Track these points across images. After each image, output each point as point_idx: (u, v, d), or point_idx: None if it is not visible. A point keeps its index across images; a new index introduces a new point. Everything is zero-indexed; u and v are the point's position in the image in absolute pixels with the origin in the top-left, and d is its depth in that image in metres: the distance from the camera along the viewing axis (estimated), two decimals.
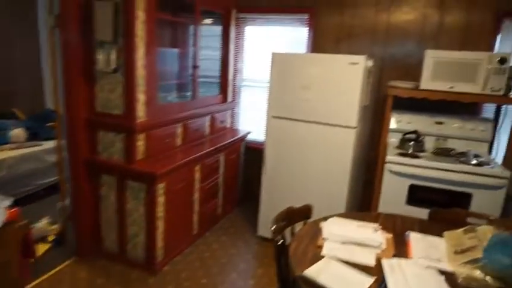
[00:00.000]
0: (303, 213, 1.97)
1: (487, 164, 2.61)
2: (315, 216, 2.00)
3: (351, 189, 2.86)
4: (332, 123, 2.74)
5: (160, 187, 2.52)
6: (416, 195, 2.72)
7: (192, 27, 3.29)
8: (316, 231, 1.76)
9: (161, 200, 2.55)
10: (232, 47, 3.68)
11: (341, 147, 2.74)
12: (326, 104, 2.74)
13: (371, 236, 1.70)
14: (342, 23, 3.38)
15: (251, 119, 3.96)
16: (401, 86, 2.83)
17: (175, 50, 3.53)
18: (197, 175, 2.98)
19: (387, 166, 2.71)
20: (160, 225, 2.60)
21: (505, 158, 2.71)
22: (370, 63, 2.70)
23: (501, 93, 2.59)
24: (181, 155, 2.83)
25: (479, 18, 2.99)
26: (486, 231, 1.70)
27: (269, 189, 3.10)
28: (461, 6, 3.03)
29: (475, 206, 2.57)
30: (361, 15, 3.31)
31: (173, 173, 2.62)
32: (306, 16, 3.50)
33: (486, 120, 2.98)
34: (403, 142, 2.98)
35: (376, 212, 2.82)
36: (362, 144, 3.10)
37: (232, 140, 3.50)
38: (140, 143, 2.54)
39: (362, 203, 3.52)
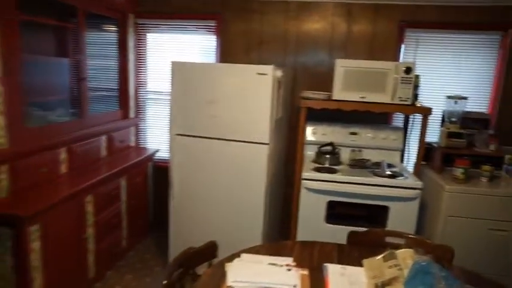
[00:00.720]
0: (206, 253, 1.65)
1: (401, 174, 2.56)
2: (228, 246, 1.71)
3: (267, 209, 2.62)
4: (243, 140, 2.47)
5: (34, 230, 2.00)
6: (335, 211, 2.57)
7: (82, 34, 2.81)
8: (221, 277, 1.45)
9: (36, 245, 2.03)
10: (132, 56, 3.26)
11: (254, 166, 2.48)
12: (235, 119, 2.47)
13: (283, 277, 1.44)
14: (252, 31, 3.17)
15: (160, 136, 3.55)
16: (314, 97, 2.69)
17: (63, 60, 3.00)
18: (89, 207, 2.50)
19: (304, 183, 2.52)
20: (38, 276, 2.08)
21: (416, 166, 2.70)
22: (279, 73, 2.50)
23: (409, 102, 2.58)
24: (66, 186, 2.34)
25: (384, 28, 3.00)
26: (406, 257, 1.55)
27: (179, 216, 2.73)
28: (367, 16, 3.01)
29: (392, 218, 2.49)
30: (271, 22, 3.13)
31: (53, 210, 2.12)
32: (213, 23, 3.23)
33: (397, 129, 2.97)
34: (319, 155, 2.84)
35: (294, 236, 2.63)
36: (278, 159, 2.90)
37: (136, 160, 3.06)
38: (3, 176, 2.00)
39: (283, 221, 3.32)
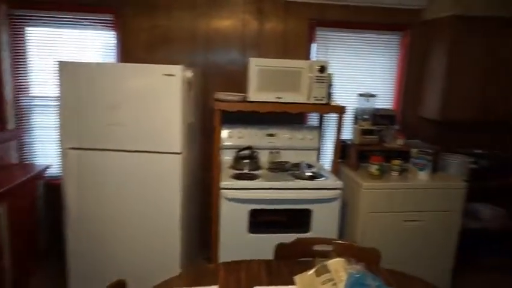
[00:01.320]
0: None
1: (321, 175, 2.52)
2: (141, 275, 1.46)
3: (184, 226, 2.36)
4: (151, 150, 2.17)
5: None
6: (258, 220, 2.42)
7: None
8: None
9: None
10: (6, 54, 2.69)
11: (165, 179, 2.20)
12: (140, 127, 2.15)
13: None
14: (157, 28, 2.85)
15: (53, 149, 2.99)
16: (228, 99, 2.50)
17: None
18: None
19: (223, 193, 2.31)
20: None
21: (333, 165, 2.70)
22: (189, 73, 2.26)
23: (324, 101, 2.54)
24: None
25: (295, 26, 2.94)
26: (338, 268, 1.44)
27: (77, 243, 2.31)
28: (278, 14, 2.92)
29: (315, 221, 2.43)
30: (178, 18, 2.85)
31: None
32: (109, 17, 2.83)
33: (313, 128, 2.95)
34: (238, 160, 2.66)
35: (216, 253, 2.41)
36: (194, 169, 2.65)
37: (20, 181, 2.52)
38: None
39: (204, 234, 3.07)
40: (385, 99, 3.15)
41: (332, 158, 2.74)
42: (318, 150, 2.96)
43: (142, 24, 2.84)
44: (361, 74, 3.09)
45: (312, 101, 2.52)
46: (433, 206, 2.58)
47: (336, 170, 2.67)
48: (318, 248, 1.79)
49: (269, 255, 1.74)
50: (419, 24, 3.02)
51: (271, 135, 2.83)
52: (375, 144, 2.73)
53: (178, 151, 2.17)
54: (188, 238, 2.50)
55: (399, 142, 2.80)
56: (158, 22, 2.84)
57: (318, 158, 2.97)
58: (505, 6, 2.69)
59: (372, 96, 2.78)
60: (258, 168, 2.64)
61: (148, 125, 2.14)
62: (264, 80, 2.48)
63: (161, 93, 2.12)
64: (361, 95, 2.79)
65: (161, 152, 2.17)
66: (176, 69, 2.09)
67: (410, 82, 3.11)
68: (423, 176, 2.63)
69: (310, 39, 2.98)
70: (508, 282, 3.06)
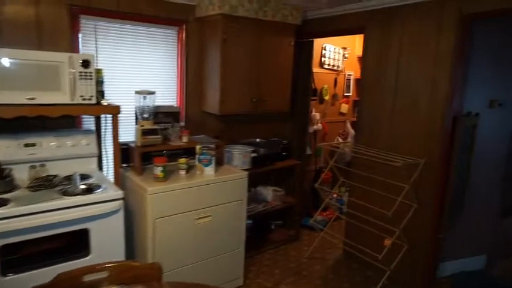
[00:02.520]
0: None
1: (98, 186, 2.18)
2: None
3: None
4: None
5: None
6: (17, 255, 1.89)
7: None
8: None
9: None
10: None
11: None
12: None
13: None
14: None
15: None
16: None
17: None
18: None
19: None
20: None
21: (115, 172, 2.40)
22: None
23: (93, 101, 2.20)
24: None
25: (52, 11, 2.43)
26: None
27: None
28: None
29: (96, 240, 2.09)
30: None
31: None
32: None
33: (88, 132, 2.54)
34: None
35: None
36: None
37: None
38: None
39: None
40: (169, 95, 3.05)
41: (114, 166, 2.43)
42: (99, 156, 2.59)
43: None
44: (141, 69, 2.87)
45: (77, 101, 2.13)
46: (222, 199, 2.64)
47: (118, 178, 2.38)
48: (89, 278, 1.49)
49: None
50: (194, 21, 3.02)
51: (30, 145, 2.27)
52: (159, 144, 2.58)
53: None
54: None
55: (185, 139, 2.74)
56: None
57: (99, 166, 2.59)
58: (261, 9, 2.98)
59: (151, 93, 2.60)
60: (12, 189, 2.06)
61: None
62: (6, 77, 1.93)
63: None
64: (138, 92, 2.57)
65: None
66: None
67: (192, 78, 3.10)
68: (209, 171, 2.65)
69: (74, 28, 2.54)
70: (293, 248, 3.55)
